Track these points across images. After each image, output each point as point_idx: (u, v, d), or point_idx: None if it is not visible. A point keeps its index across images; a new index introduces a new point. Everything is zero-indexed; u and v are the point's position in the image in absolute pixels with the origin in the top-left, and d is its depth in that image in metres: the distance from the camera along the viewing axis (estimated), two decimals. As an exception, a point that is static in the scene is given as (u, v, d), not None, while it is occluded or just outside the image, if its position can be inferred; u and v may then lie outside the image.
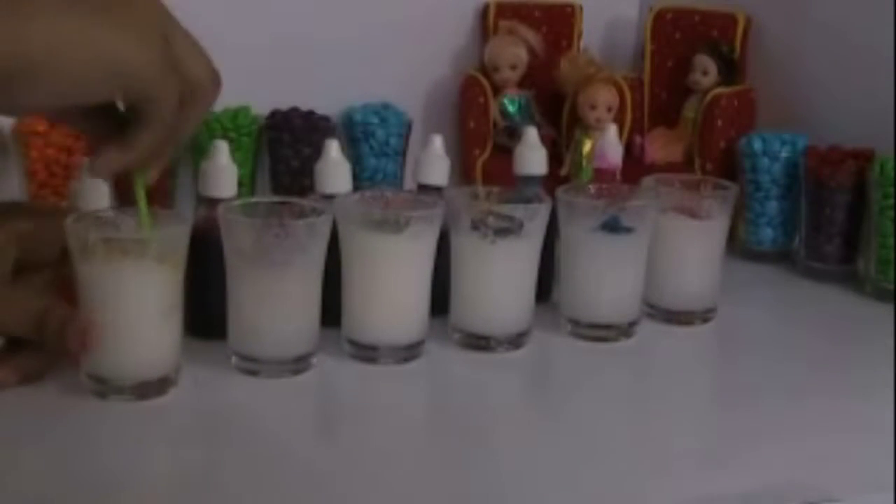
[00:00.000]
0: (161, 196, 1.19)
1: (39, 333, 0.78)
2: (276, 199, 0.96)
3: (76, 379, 0.83)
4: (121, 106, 0.74)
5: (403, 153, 1.26)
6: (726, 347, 1.04)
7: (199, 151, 1.17)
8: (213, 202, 0.92)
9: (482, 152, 1.30)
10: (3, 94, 0.65)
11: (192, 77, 0.72)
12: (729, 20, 1.32)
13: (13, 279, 0.80)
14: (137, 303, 0.81)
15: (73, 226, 0.80)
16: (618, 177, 1.08)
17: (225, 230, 0.88)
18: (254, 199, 0.99)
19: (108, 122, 0.74)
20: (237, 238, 0.87)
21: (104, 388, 0.82)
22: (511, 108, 1.31)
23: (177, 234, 0.83)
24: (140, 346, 0.82)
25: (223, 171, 0.93)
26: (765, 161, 1.21)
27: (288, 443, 0.80)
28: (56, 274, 0.81)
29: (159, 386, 0.83)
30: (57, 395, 0.82)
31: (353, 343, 0.92)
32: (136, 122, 0.72)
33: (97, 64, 0.67)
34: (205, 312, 0.93)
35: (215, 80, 0.74)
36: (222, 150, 0.94)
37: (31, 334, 0.78)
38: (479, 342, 0.95)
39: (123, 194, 0.98)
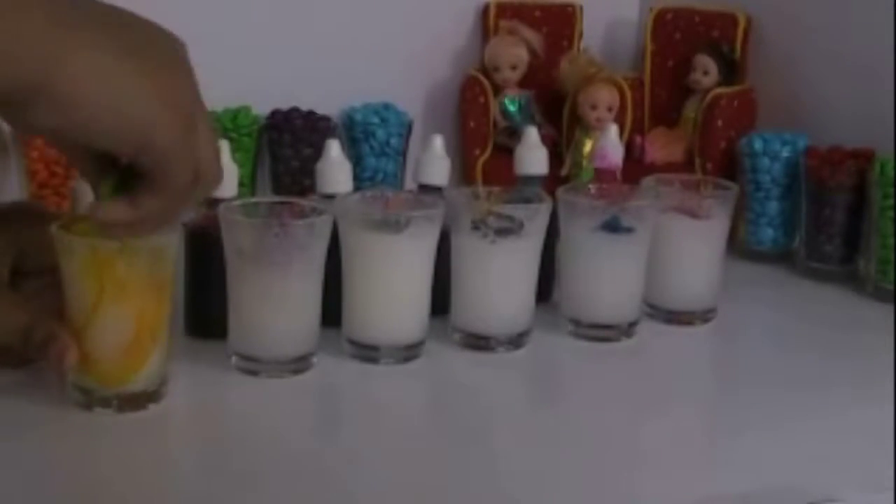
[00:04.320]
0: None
1: (24, 345, 0.78)
2: (277, 199, 0.96)
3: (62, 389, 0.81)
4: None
5: (404, 153, 1.26)
6: (726, 347, 1.04)
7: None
8: (213, 202, 0.91)
9: (482, 152, 1.30)
10: (21, 110, 0.65)
11: (204, 163, 0.71)
12: (729, 20, 1.32)
13: (9, 282, 0.80)
14: (123, 313, 0.79)
15: (59, 231, 0.78)
16: (618, 177, 1.08)
17: (225, 230, 0.88)
18: (254, 199, 0.99)
19: (109, 172, 0.73)
20: (237, 238, 0.87)
21: (89, 399, 0.80)
22: (511, 108, 1.31)
23: (165, 243, 0.80)
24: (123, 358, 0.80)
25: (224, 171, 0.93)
26: (765, 161, 1.21)
27: (288, 443, 0.80)
28: (51, 280, 0.79)
29: (141, 399, 0.81)
30: (44, 404, 0.81)
31: (353, 343, 0.92)
32: (146, 186, 0.70)
33: (119, 116, 0.66)
34: (205, 312, 0.93)
35: (220, 175, 0.74)
36: (223, 150, 0.93)
37: (16, 344, 0.78)
38: (479, 342, 0.95)
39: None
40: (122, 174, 0.72)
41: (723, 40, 1.31)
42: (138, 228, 0.73)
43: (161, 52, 0.69)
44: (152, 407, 0.81)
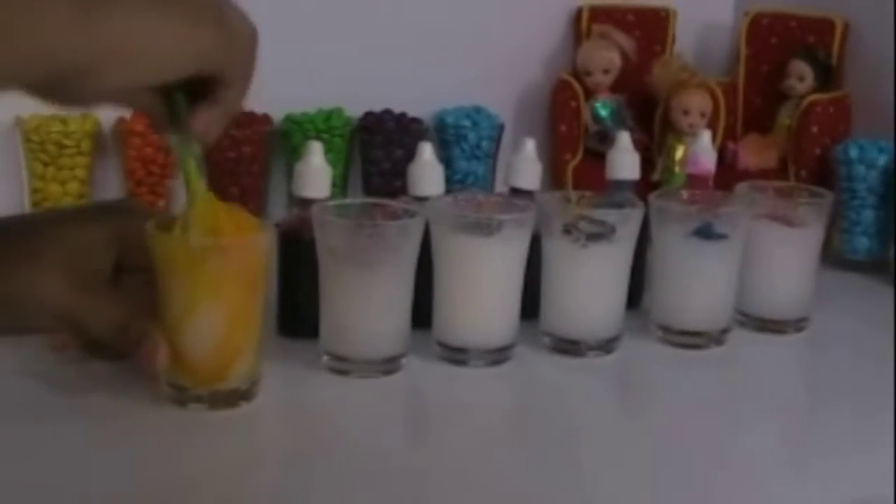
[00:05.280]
0: (255, 196, 1.20)
1: (119, 341, 0.79)
2: (370, 200, 0.96)
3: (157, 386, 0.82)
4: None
5: (494, 156, 1.27)
6: (819, 357, 1.03)
7: (293, 152, 1.19)
8: (306, 202, 0.92)
9: (573, 157, 1.30)
10: (78, 85, 0.65)
11: (243, 35, 0.73)
12: (826, 25, 1.30)
13: (111, 279, 0.81)
14: (215, 312, 0.80)
15: (154, 229, 0.79)
16: (710, 183, 1.07)
17: (318, 230, 0.88)
18: (347, 200, 1.00)
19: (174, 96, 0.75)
20: (330, 238, 0.88)
21: (182, 395, 0.81)
22: (603, 113, 1.30)
23: (257, 241, 0.81)
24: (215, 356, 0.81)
25: (317, 172, 0.94)
26: (860, 169, 1.19)
27: (376, 443, 0.80)
28: (151, 278, 0.80)
29: (233, 397, 0.82)
30: (139, 398, 0.82)
31: (443, 345, 0.92)
32: (218, 83, 0.73)
33: (171, 53, 0.68)
34: (297, 312, 0.94)
35: (256, 33, 0.75)
36: (316, 150, 0.94)
37: (112, 339, 0.79)
38: (568, 346, 0.95)
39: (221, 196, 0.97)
40: (184, 90, 0.73)
41: (819, 45, 1.30)
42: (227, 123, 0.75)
43: None
44: (244, 405, 0.82)
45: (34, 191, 1.14)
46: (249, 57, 0.74)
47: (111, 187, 1.18)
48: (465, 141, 1.24)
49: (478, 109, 1.27)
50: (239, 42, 0.72)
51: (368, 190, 1.24)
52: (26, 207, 1.14)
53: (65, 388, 0.83)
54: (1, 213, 0.84)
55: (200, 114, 0.74)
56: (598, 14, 1.33)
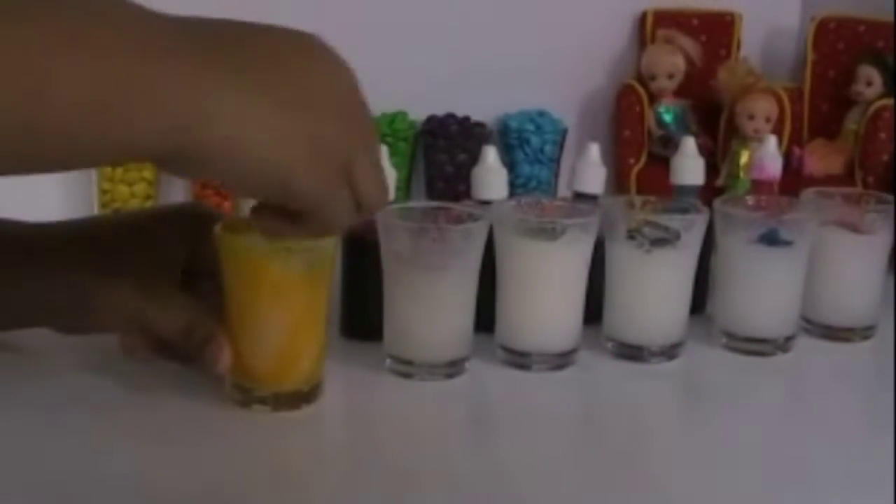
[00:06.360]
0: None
1: (184, 342, 0.79)
2: (434, 203, 0.96)
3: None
4: None
5: (557, 161, 1.27)
6: (885, 367, 1.01)
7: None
8: (370, 206, 0.93)
9: (637, 161, 1.29)
10: (162, 165, 0.61)
11: (365, 197, 0.67)
12: (894, 30, 1.29)
13: (180, 281, 0.82)
14: (279, 314, 0.80)
15: (219, 232, 0.79)
16: (775, 189, 1.06)
17: (383, 234, 0.89)
18: (411, 204, 1.00)
19: None
20: (394, 241, 0.88)
21: (246, 396, 0.81)
22: (667, 118, 1.30)
23: (322, 245, 0.80)
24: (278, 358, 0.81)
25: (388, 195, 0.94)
26: (929, 175, 1.18)
27: (438, 446, 0.81)
28: (219, 281, 0.81)
29: (296, 399, 0.82)
30: (203, 398, 0.82)
31: (506, 349, 0.92)
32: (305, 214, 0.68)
33: (265, 170, 0.62)
34: (360, 315, 0.94)
35: (383, 202, 0.70)
36: (382, 154, 0.94)
37: (177, 341, 0.80)
38: (632, 352, 0.95)
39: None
40: None
41: (887, 50, 1.28)
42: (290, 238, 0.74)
43: (316, 90, 0.64)
44: (306, 407, 0.82)
45: (103, 192, 1.16)
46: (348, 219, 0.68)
47: (177, 189, 1.19)
48: (529, 145, 1.25)
49: (541, 114, 1.27)
50: (343, 199, 0.66)
51: (432, 194, 1.24)
52: (95, 208, 1.16)
53: (131, 387, 0.84)
54: (71, 215, 0.85)
55: (262, 215, 0.69)
56: (662, 18, 1.33)
